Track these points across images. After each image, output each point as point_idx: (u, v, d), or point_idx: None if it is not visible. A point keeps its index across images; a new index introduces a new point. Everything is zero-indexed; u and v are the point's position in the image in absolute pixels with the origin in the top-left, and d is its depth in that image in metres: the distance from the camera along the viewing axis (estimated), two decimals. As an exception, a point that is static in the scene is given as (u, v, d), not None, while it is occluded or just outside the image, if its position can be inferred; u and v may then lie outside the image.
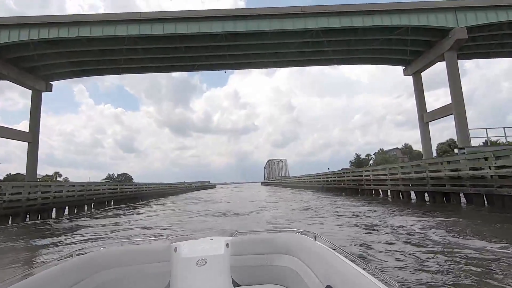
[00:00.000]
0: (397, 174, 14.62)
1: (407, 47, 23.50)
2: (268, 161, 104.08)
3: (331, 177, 24.77)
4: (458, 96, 20.55)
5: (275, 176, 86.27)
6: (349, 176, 20.28)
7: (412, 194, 14.40)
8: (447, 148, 57.55)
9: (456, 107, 20.44)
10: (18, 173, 49.26)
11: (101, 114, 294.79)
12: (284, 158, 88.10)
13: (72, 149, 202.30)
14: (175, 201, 24.46)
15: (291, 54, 24.72)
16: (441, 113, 22.74)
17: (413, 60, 25.73)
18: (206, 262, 2.31)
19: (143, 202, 24.46)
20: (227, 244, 2.41)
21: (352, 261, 1.51)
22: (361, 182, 18.32)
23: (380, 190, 16.58)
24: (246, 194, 30.50)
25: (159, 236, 5.18)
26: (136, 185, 25.98)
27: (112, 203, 20.92)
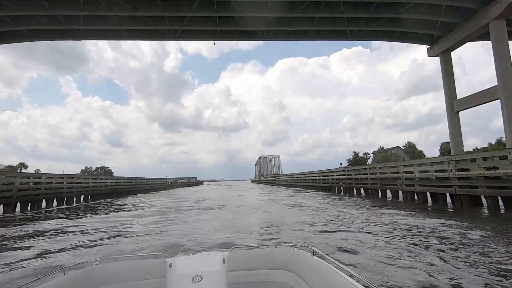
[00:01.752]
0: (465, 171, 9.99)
1: (440, 17, 18.94)
2: (259, 157, 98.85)
3: (343, 175, 20.05)
4: (507, 76, 16.14)
5: (267, 174, 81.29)
6: (374, 174, 15.55)
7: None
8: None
9: (505, 90, 16.00)
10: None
11: (89, 106, 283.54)
12: (277, 155, 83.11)
13: (58, 142, 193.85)
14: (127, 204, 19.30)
15: (299, 20, 19.91)
16: (480, 99, 18.27)
17: (442, 36, 21.30)
18: (202, 278, 2.24)
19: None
20: (224, 259, 2.35)
21: (351, 276, 1.46)
22: (396, 182, 13.59)
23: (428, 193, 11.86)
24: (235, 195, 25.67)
25: (154, 251, 4.48)
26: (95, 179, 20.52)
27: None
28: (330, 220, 8.49)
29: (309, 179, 28.24)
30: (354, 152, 74.23)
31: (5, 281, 3.98)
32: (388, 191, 14.74)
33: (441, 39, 21.49)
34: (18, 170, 50.08)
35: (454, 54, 21.25)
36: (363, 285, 1.32)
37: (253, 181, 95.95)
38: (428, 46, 23.52)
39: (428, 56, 24.13)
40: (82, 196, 18.54)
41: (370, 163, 68.92)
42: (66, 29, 20.54)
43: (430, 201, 11.73)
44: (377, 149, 66.71)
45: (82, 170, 70.70)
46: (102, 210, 13.32)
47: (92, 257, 4.82)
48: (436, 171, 10.89)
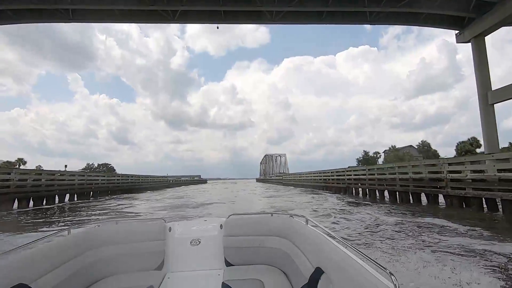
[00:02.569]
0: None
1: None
2: (265, 156, 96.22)
3: (362, 174, 17.54)
4: None
5: (273, 172, 78.66)
6: (404, 174, 13.02)
7: None
8: (469, 147, 51.59)
9: None
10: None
11: (96, 104, 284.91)
12: (283, 153, 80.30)
13: (65, 138, 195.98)
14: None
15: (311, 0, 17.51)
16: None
17: (475, 19, 18.61)
18: (199, 242, 2.35)
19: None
20: (221, 225, 2.41)
21: (343, 244, 1.50)
22: (436, 183, 11.08)
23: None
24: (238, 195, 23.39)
25: (155, 217, 4.27)
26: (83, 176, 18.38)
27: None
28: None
29: (320, 179, 25.77)
30: (364, 151, 71.29)
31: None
32: (422, 195, 12.26)
33: (473, 22, 18.78)
34: (16, 166, 48.75)
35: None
36: (354, 253, 1.33)
37: (257, 180, 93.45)
38: (457, 32, 20.83)
39: (457, 42, 21.35)
40: (68, 196, 16.48)
41: (380, 162, 65.95)
42: (53, 9, 18.49)
43: (487, 208, 9.23)
44: (388, 148, 63.66)
45: (84, 167, 69.67)
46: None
47: None
48: (502, 170, 8.38)
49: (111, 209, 12.96)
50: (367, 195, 16.96)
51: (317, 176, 26.93)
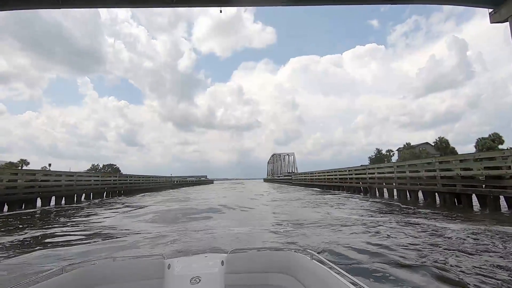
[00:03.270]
0: None
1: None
2: (272, 155, 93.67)
3: (390, 172, 15.13)
4: None
5: (282, 172, 76.08)
6: (449, 171, 10.62)
7: None
8: (491, 143, 48.34)
9: None
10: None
11: (105, 106, 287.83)
12: (291, 152, 77.65)
13: (75, 141, 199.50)
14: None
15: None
16: None
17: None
18: (200, 280, 2.21)
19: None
20: (222, 261, 2.34)
21: (350, 282, 1.42)
22: (505, 182, 8.64)
23: None
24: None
25: (153, 252, 4.40)
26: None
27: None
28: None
29: (335, 178, 23.38)
30: (377, 149, 68.16)
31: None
32: (473, 196, 9.83)
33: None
34: (19, 167, 47.87)
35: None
36: None
37: (265, 180, 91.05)
38: (491, 10, 18.19)
39: (491, 22, 18.52)
40: (54, 198, 14.64)
41: (394, 160, 62.86)
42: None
43: None
44: (402, 146, 60.33)
45: (89, 168, 68.83)
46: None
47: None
48: None
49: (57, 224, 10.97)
50: (396, 196, 14.58)
51: (332, 175, 24.52)
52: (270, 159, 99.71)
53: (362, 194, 18.17)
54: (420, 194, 12.97)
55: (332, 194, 19.63)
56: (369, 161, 66.91)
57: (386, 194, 15.87)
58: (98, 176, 19.32)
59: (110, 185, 20.44)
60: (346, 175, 20.83)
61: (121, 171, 69.40)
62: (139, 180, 26.65)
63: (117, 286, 2.08)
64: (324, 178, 26.73)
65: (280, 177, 67.97)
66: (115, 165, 73.00)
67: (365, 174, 17.79)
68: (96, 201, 17.27)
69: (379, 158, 66.29)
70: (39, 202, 13.63)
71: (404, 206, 11.13)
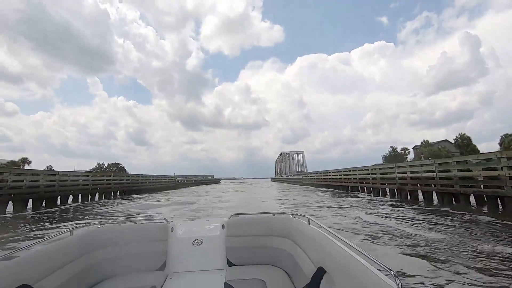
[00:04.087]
0: None
1: None
2: (280, 154, 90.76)
3: (430, 171, 12.49)
4: None
5: (290, 171, 73.24)
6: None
7: None
8: (519, 140, 44.68)
9: None
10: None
11: (114, 106, 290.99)
12: (301, 150, 74.55)
13: (86, 140, 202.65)
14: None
15: None
16: None
17: None
18: (202, 242, 2.33)
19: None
20: (223, 225, 2.41)
21: (345, 244, 1.46)
22: None
23: None
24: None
25: (157, 217, 3.29)
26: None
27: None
28: None
29: (354, 178, 20.76)
30: (391, 147, 64.94)
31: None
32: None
33: None
34: (21, 166, 46.81)
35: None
36: (357, 254, 1.31)
37: (273, 179, 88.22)
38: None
39: None
40: (31, 201, 12.64)
41: (410, 159, 59.39)
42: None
43: None
44: (420, 143, 56.75)
45: (94, 167, 67.73)
46: None
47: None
48: None
49: None
50: (436, 201, 11.97)
51: (349, 174, 21.89)
52: (278, 158, 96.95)
53: (388, 196, 15.56)
54: (472, 198, 10.34)
55: (354, 196, 17.06)
56: (383, 160, 63.68)
57: (421, 197, 13.28)
58: (88, 176, 17.24)
59: (102, 186, 18.40)
60: (368, 174, 18.19)
61: (126, 170, 68.47)
62: (138, 180, 24.60)
63: (122, 247, 2.14)
64: (340, 178, 24.08)
65: (289, 177, 65.23)
66: (120, 164, 72.26)
67: (393, 173, 15.14)
68: (74, 204, 15.23)
69: (394, 156, 62.99)
70: (10, 206, 11.61)
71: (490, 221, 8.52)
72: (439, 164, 11.59)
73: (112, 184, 19.67)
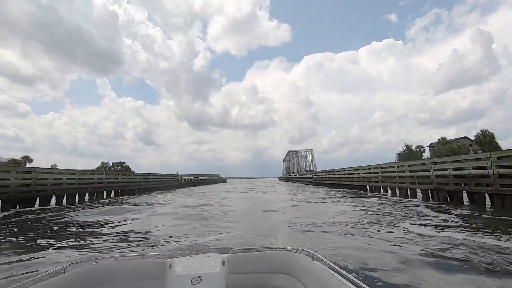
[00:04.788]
0: None
1: None
2: (288, 152, 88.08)
3: (479, 167, 10.06)
4: None
5: (299, 170, 70.60)
6: None
7: None
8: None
9: None
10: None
11: (123, 107, 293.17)
12: (309, 149, 71.73)
13: (95, 140, 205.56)
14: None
15: None
16: None
17: None
18: (201, 280, 2.22)
19: None
20: (223, 261, 2.31)
21: (352, 282, 1.40)
22: None
23: None
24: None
25: (155, 252, 4.41)
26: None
27: None
28: None
29: (375, 177, 18.35)
30: (406, 145, 61.74)
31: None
32: None
33: None
34: (22, 164, 45.77)
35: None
36: None
37: (280, 179, 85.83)
38: None
39: None
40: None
41: (425, 157, 56.20)
42: None
43: None
44: (437, 140, 53.37)
45: (99, 165, 66.76)
46: None
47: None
48: None
49: None
50: (489, 205, 9.56)
51: (368, 173, 19.47)
52: (285, 156, 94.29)
53: (420, 198, 13.15)
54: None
55: (378, 198, 14.69)
56: (397, 158, 60.60)
57: (467, 200, 10.87)
58: (75, 174, 15.34)
59: (92, 185, 16.50)
60: (394, 172, 15.75)
61: (131, 170, 67.28)
62: (135, 179, 22.68)
63: (119, 286, 2.09)
64: (357, 177, 21.66)
65: (297, 176, 62.69)
66: (125, 163, 71.20)
67: (427, 171, 12.71)
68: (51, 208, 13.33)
69: (408, 155, 59.86)
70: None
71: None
72: (497, 158, 9.15)
73: (104, 183, 17.77)
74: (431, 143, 57.51)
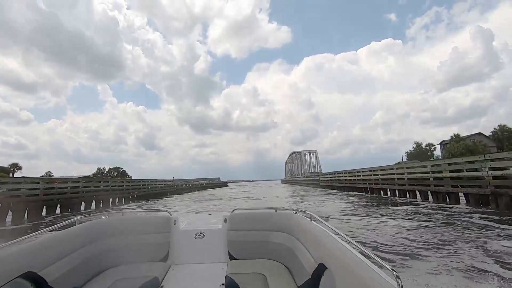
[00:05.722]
0: None
1: None
2: (291, 154, 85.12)
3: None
4: None
5: (303, 172, 67.69)
6: None
7: None
8: None
9: None
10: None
11: (124, 112, 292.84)
12: (313, 149, 68.86)
13: (98, 146, 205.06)
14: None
15: None
16: None
17: None
18: (204, 235, 2.35)
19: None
20: (225, 219, 2.41)
21: (346, 242, 1.47)
22: None
23: None
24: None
25: (160, 209, 4.42)
26: None
27: None
28: None
29: (399, 178, 15.61)
30: (416, 143, 58.86)
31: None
32: None
33: None
34: (10, 174, 43.30)
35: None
36: (357, 250, 1.30)
37: (283, 181, 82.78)
38: None
39: None
40: None
41: (438, 157, 53.27)
42: None
43: None
44: (450, 137, 50.49)
45: (95, 171, 64.22)
46: None
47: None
48: None
49: None
50: None
51: (389, 174, 16.72)
52: (288, 158, 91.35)
53: (464, 204, 10.43)
54: None
55: (414, 205, 11.95)
56: (406, 157, 57.75)
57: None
58: (39, 183, 12.66)
59: (65, 196, 13.84)
60: (427, 173, 12.99)
61: (129, 175, 64.69)
62: (122, 186, 19.98)
63: (126, 238, 2.18)
64: (375, 179, 18.89)
65: (301, 178, 59.77)
66: (122, 168, 68.67)
67: (477, 171, 9.98)
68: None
69: (418, 153, 57.03)
70: None
71: None
72: None
73: (82, 192, 15.11)
74: (443, 141, 54.55)
